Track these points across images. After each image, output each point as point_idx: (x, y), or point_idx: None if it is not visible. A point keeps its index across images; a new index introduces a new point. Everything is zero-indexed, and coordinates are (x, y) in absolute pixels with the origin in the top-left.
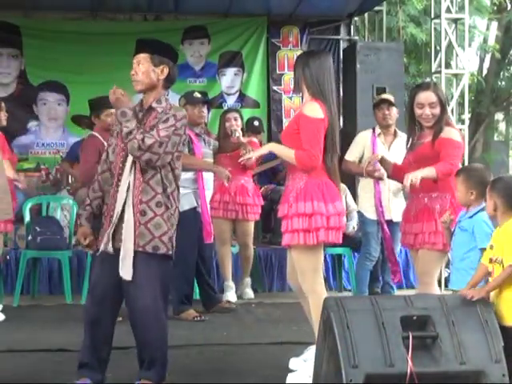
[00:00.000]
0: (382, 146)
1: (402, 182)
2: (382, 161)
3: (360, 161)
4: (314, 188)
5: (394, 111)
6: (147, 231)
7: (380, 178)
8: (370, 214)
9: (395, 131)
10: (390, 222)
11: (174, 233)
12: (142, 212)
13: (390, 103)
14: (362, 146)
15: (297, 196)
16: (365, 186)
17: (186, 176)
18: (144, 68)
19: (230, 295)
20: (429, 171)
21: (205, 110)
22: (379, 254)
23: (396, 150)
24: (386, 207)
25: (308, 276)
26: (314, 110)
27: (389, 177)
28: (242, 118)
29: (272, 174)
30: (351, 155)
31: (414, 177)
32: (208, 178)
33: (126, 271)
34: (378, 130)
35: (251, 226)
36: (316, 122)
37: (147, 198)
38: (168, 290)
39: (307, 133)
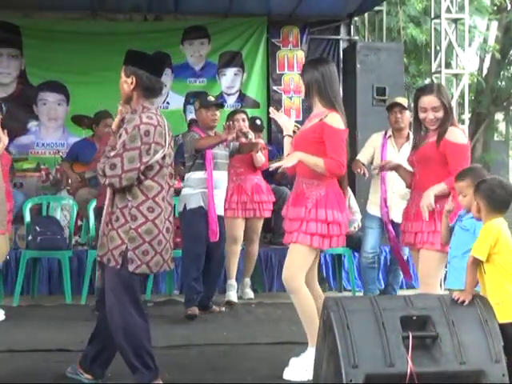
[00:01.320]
0: (392, 148)
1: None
2: (399, 169)
3: (371, 162)
4: (333, 196)
5: (407, 115)
6: (106, 242)
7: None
8: (373, 211)
9: (408, 134)
10: (391, 223)
11: (142, 246)
12: (107, 223)
13: (402, 107)
14: (372, 148)
15: (317, 202)
16: (374, 184)
17: (195, 176)
18: (120, 80)
19: (232, 295)
20: (441, 188)
21: (218, 113)
22: (380, 255)
23: (406, 153)
24: (389, 208)
25: (301, 274)
26: (338, 121)
27: (407, 186)
28: (248, 119)
29: (271, 174)
30: (362, 156)
31: (429, 202)
32: (217, 178)
33: (97, 279)
34: (389, 133)
35: (261, 223)
36: (341, 132)
37: (112, 210)
38: (137, 298)
39: (333, 143)
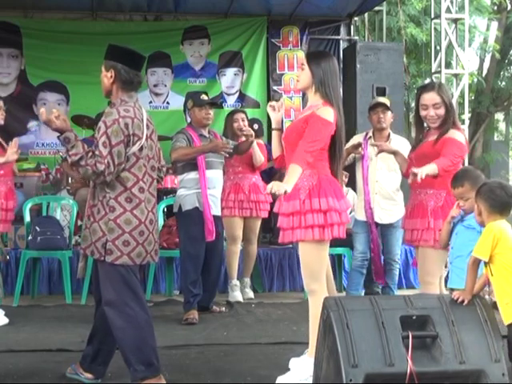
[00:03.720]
0: (372, 149)
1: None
2: (397, 154)
3: (352, 162)
4: (326, 184)
5: (389, 115)
6: (89, 235)
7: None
8: (359, 216)
9: (389, 135)
10: (377, 224)
11: (122, 237)
12: (88, 216)
13: (385, 107)
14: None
15: (310, 192)
16: (359, 187)
17: (190, 176)
18: (101, 75)
19: (238, 295)
20: (431, 168)
21: (211, 111)
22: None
23: (385, 153)
24: (372, 210)
25: (318, 274)
26: (327, 114)
27: (403, 175)
28: (247, 119)
29: (269, 175)
30: None
31: (420, 174)
32: (211, 176)
33: (78, 270)
34: (369, 134)
35: (259, 223)
36: (325, 122)
37: (93, 202)
38: (136, 291)
39: (312, 129)
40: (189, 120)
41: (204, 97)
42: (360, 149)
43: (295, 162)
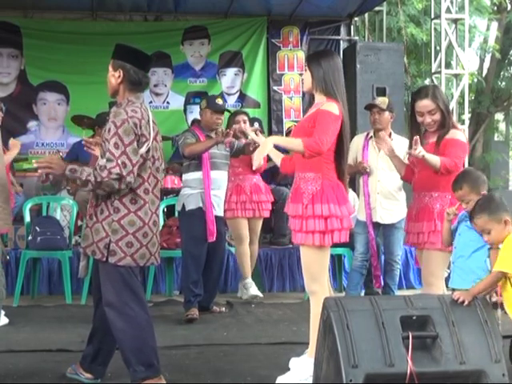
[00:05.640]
0: (373, 149)
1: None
2: (394, 158)
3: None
4: (329, 190)
5: (386, 115)
6: (90, 234)
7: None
8: (360, 216)
9: (390, 134)
10: (379, 225)
11: (126, 238)
12: (91, 215)
13: (379, 108)
14: (354, 151)
15: (313, 197)
16: (361, 189)
17: (194, 176)
18: (108, 74)
19: (253, 290)
20: (434, 158)
21: (223, 117)
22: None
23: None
24: (374, 209)
25: (318, 276)
26: (332, 108)
27: (402, 178)
28: (249, 120)
29: (271, 175)
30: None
31: (419, 151)
32: (215, 177)
33: (80, 269)
34: (370, 134)
35: (261, 223)
36: (332, 115)
37: (96, 202)
38: (137, 291)
39: (321, 122)
40: (189, 120)
41: (219, 101)
42: (365, 167)
43: (304, 141)
